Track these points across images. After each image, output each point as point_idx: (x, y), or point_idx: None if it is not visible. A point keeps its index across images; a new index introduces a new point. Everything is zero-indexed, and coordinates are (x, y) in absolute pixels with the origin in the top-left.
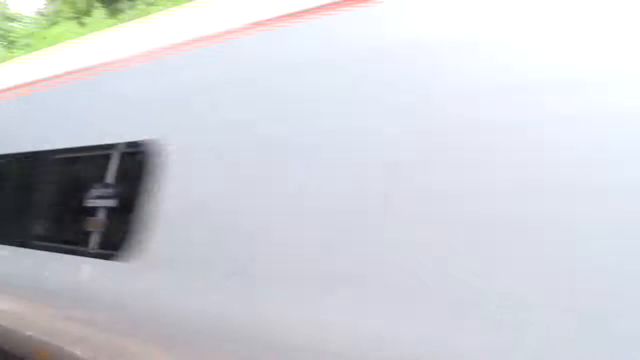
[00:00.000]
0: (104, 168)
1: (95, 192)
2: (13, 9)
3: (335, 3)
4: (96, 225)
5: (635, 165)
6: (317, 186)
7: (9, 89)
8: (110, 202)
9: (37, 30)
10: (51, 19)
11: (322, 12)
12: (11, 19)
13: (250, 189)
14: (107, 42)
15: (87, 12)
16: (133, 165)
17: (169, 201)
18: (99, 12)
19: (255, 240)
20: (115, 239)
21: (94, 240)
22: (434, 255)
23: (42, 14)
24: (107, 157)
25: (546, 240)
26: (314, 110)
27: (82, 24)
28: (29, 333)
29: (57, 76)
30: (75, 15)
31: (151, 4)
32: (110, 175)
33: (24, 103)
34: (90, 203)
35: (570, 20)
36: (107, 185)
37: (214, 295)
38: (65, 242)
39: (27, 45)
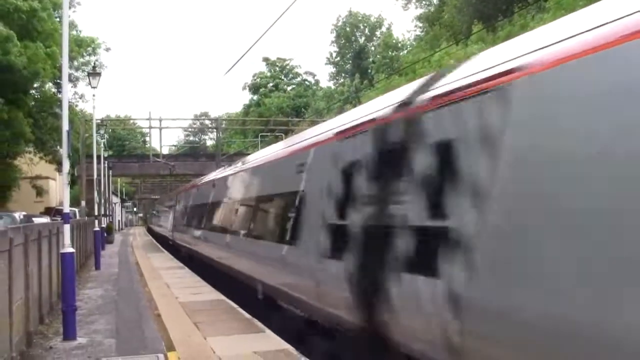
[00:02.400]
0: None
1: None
2: (395, 37)
3: None
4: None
5: None
6: None
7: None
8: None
9: (416, 56)
10: (431, 43)
11: None
12: (395, 47)
13: None
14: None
15: (465, 32)
16: None
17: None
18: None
19: None
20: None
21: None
22: None
23: (421, 39)
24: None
25: None
26: None
27: (459, 44)
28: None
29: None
30: (453, 37)
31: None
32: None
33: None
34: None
35: None
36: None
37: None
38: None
39: (412, 71)
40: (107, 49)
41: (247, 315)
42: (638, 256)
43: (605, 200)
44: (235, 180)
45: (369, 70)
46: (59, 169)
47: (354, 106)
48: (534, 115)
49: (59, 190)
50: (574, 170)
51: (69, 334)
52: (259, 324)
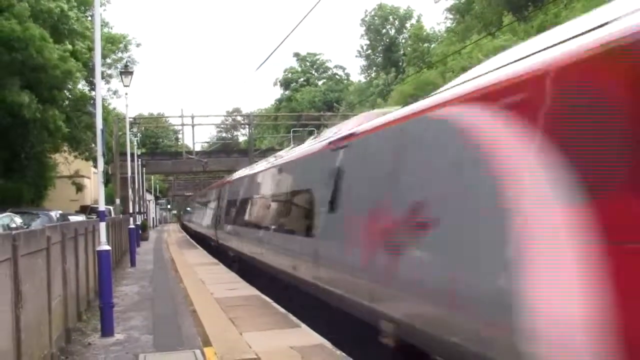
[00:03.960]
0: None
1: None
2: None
3: None
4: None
5: None
6: None
7: None
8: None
9: (448, 48)
10: (462, 35)
11: None
12: (425, 40)
13: None
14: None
15: (496, 23)
16: None
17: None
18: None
19: None
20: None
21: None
22: None
23: (452, 31)
24: None
25: None
26: None
27: (492, 36)
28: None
29: None
30: (484, 28)
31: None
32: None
33: None
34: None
35: None
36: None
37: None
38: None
39: (443, 64)
40: (138, 45)
41: (282, 310)
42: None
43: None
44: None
45: (400, 63)
46: (94, 166)
47: (386, 100)
48: (357, 160)
49: (93, 189)
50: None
51: (106, 330)
52: (294, 318)
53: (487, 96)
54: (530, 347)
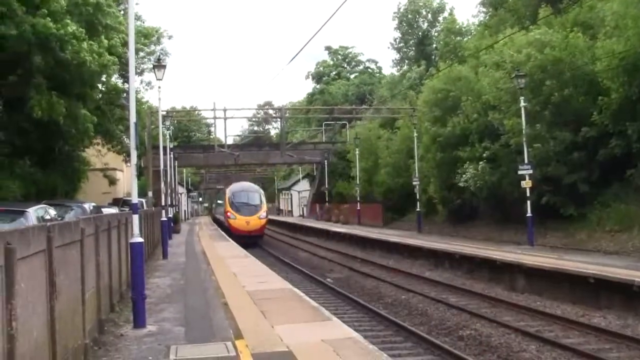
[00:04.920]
0: None
1: None
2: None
3: None
4: None
5: None
6: None
7: None
8: None
9: (480, 42)
10: (495, 28)
11: None
12: (457, 33)
13: None
14: None
15: (530, 17)
16: None
17: None
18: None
19: None
20: None
21: None
22: None
23: (485, 25)
24: None
25: None
26: None
27: (526, 29)
28: None
29: None
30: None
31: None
32: None
33: None
34: None
35: None
36: None
37: None
38: None
39: (476, 57)
40: (170, 37)
41: (314, 304)
42: None
43: None
44: None
45: (433, 57)
46: (126, 160)
47: (418, 93)
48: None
49: (126, 182)
50: None
51: (139, 321)
52: (326, 312)
53: None
54: None
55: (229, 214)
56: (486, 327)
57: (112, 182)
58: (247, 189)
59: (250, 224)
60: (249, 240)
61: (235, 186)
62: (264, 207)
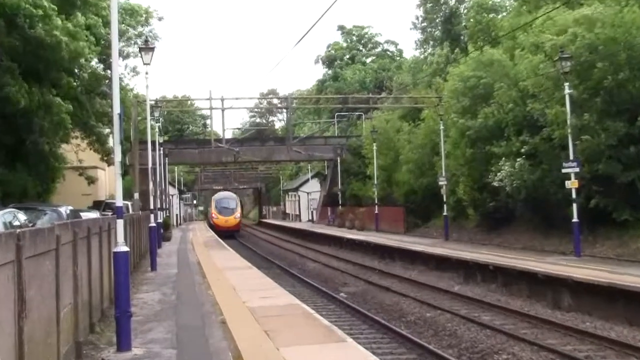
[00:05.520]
0: None
1: None
2: None
3: None
4: None
5: None
6: None
7: None
8: None
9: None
10: (533, 4)
11: None
12: (490, 10)
13: None
14: None
15: None
16: None
17: None
18: None
19: None
20: None
21: None
22: None
23: (523, 0)
24: None
25: None
26: None
27: (570, 6)
28: None
29: None
30: None
31: None
32: None
33: None
34: None
35: None
36: None
37: None
38: None
39: (512, 37)
40: (160, 19)
41: (326, 322)
42: None
43: None
44: None
45: (462, 37)
46: (106, 160)
47: (445, 80)
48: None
49: (108, 182)
50: None
51: (123, 344)
52: (339, 331)
53: None
54: None
55: (213, 215)
56: (526, 351)
57: (92, 182)
58: (227, 197)
59: (228, 222)
60: (227, 233)
61: (218, 195)
62: (239, 210)
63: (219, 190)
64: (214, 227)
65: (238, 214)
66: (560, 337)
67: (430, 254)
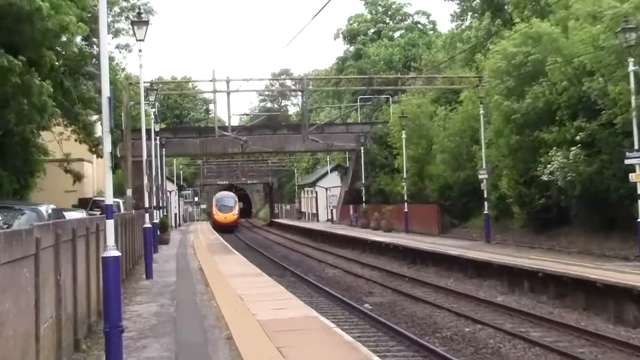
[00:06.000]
0: None
1: None
2: None
3: None
4: None
5: None
6: None
7: None
8: None
9: None
10: None
11: None
12: None
13: None
14: None
15: None
16: None
17: None
18: None
19: None
20: None
21: None
22: None
23: None
24: None
25: None
26: None
27: None
28: None
29: None
30: None
31: None
32: None
33: None
34: None
35: None
36: None
37: None
38: None
39: (564, 6)
40: None
41: (348, 338)
42: None
43: None
44: None
45: (505, 7)
46: (95, 151)
47: (485, 57)
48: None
49: (97, 177)
50: None
51: None
52: (364, 348)
53: None
54: None
55: (214, 212)
56: None
57: (78, 177)
58: (226, 196)
59: (227, 218)
60: (227, 228)
61: (219, 194)
62: (237, 207)
63: (224, 185)
64: (215, 223)
65: (236, 211)
66: (625, 358)
67: (468, 258)
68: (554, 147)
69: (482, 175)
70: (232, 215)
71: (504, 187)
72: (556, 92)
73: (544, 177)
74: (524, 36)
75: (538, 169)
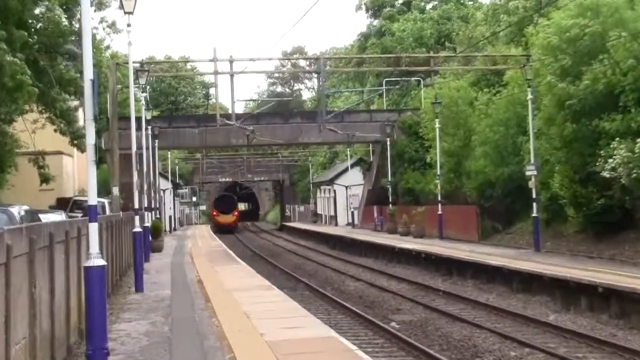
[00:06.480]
0: None
1: None
2: None
3: None
4: None
5: None
6: None
7: None
8: None
9: None
10: None
11: None
12: None
13: None
14: None
15: None
16: None
17: None
18: None
19: None
20: None
21: None
22: None
23: None
24: None
25: None
26: None
27: None
28: None
29: None
30: None
31: None
32: None
33: None
34: None
35: None
36: None
37: None
38: None
39: None
40: None
41: None
42: None
43: None
44: None
45: None
46: (76, 144)
47: (535, 31)
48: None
49: (78, 172)
50: None
51: None
52: None
53: None
54: None
55: (214, 213)
56: None
57: (46, 178)
58: (226, 199)
59: (227, 219)
60: (226, 228)
61: (218, 197)
62: (236, 209)
63: (227, 183)
64: (215, 225)
65: (235, 212)
66: None
67: (514, 270)
68: (617, 138)
69: (530, 171)
70: (231, 217)
71: (556, 185)
72: (620, 73)
73: (605, 174)
74: (580, 7)
75: (597, 164)
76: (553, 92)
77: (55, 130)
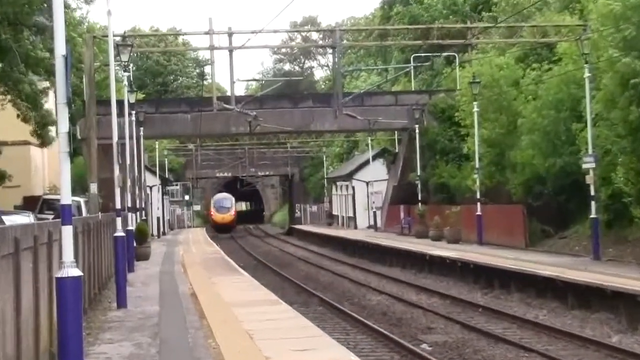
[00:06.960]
0: None
1: None
2: None
3: None
4: None
5: None
6: None
7: None
8: None
9: None
10: None
11: None
12: None
13: None
14: None
15: None
16: None
17: None
18: None
19: None
20: None
21: None
22: None
23: None
24: None
25: None
26: None
27: None
28: None
29: None
30: None
31: None
32: None
33: None
34: None
35: None
36: None
37: None
38: None
39: None
40: None
41: None
42: None
43: None
44: None
45: None
46: (40, 134)
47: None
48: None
49: (48, 166)
50: None
51: None
52: None
53: None
54: None
55: (212, 212)
56: None
57: (19, 168)
58: (224, 198)
59: (225, 219)
60: (224, 228)
61: (216, 196)
62: (234, 208)
63: (226, 178)
64: (213, 224)
65: (233, 211)
66: None
67: (568, 281)
68: None
69: (588, 163)
70: (229, 216)
71: (619, 180)
72: None
73: None
74: None
75: None
76: (615, 68)
77: (17, 116)
